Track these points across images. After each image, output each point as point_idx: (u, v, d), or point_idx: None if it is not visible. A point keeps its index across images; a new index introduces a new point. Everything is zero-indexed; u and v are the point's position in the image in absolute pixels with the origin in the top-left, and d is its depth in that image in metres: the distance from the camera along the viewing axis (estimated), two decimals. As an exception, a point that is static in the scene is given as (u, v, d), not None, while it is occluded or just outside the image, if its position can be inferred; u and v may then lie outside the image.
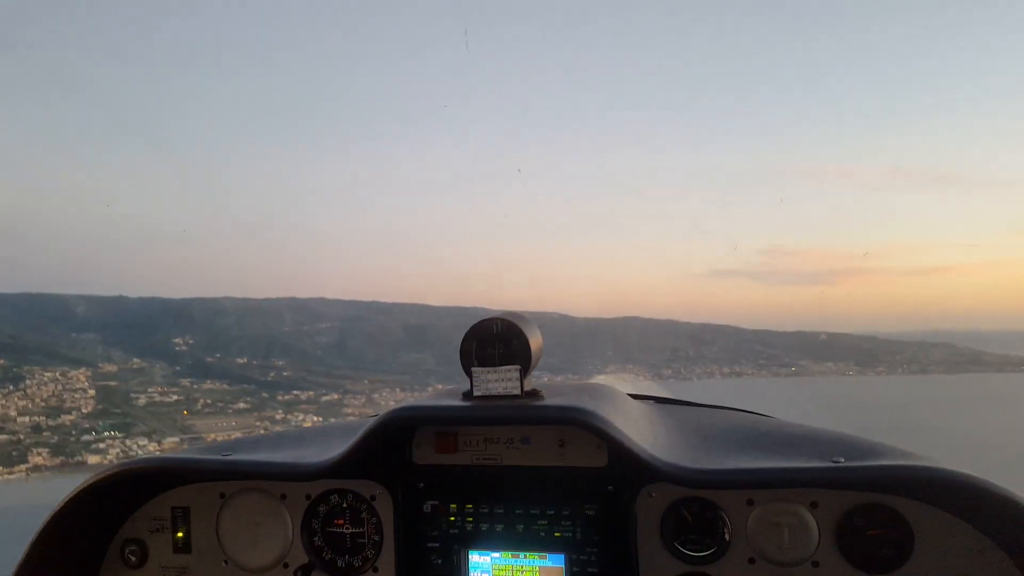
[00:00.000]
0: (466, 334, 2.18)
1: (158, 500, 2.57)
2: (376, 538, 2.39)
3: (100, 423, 58.06)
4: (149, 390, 67.04)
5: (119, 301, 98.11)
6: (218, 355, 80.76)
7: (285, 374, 77.37)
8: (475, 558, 2.27)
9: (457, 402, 2.19)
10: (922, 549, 1.96)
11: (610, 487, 2.18)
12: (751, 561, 2.10)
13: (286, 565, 2.45)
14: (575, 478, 2.22)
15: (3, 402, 56.92)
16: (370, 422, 2.19)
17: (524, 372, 2.14)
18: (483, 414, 2.17)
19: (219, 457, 2.39)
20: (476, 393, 2.17)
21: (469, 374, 2.19)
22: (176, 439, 57.54)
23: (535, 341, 2.22)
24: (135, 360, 77.08)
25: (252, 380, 74.95)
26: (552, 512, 2.22)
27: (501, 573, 2.24)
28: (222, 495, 2.51)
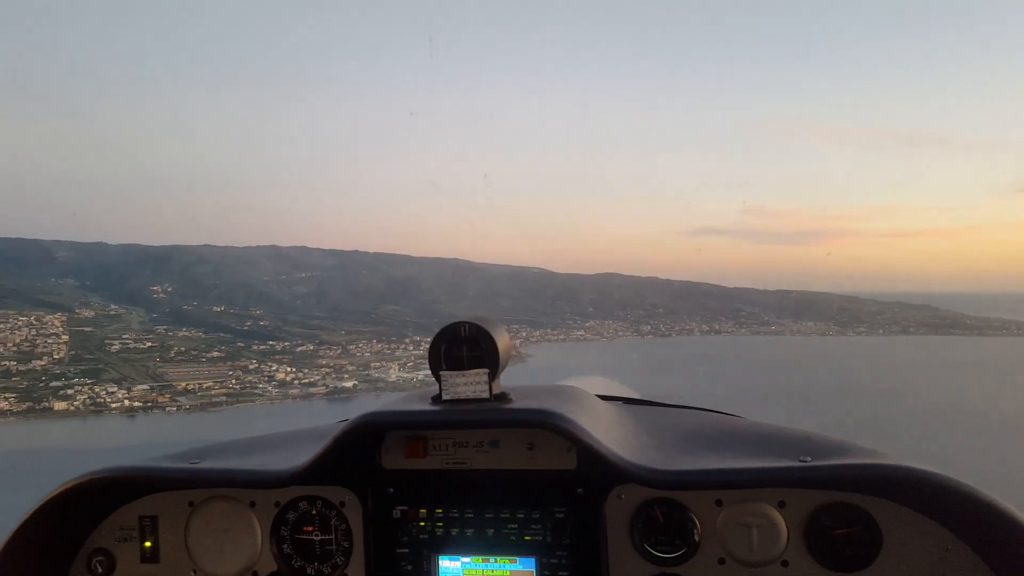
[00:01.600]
0: (434, 337, 2.15)
1: (125, 509, 2.49)
2: (346, 545, 2.34)
3: (71, 369, 58.13)
4: (124, 337, 66.96)
5: (99, 247, 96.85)
6: (195, 303, 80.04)
7: (262, 323, 77.08)
8: (445, 563, 2.24)
9: (426, 406, 2.16)
10: (890, 547, 1.97)
11: (580, 489, 2.16)
12: (721, 561, 2.09)
13: (255, 573, 2.39)
14: (545, 481, 2.19)
15: (-28, 346, 56.55)
16: (339, 428, 2.16)
17: (492, 375, 2.11)
18: (452, 418, 2.12)
19: (187, 465, 2.34)
20: (445, 397, 2.13)
21: (438, 378, 2.15)
22: (146, 386, 57.84)
23: (503, 344, 2.17)
24: (113, 307, 76.43)
25: (228, 329, 74.67)
26: (522, 515, 2.19)
27: None
28: (191, 503, 2.45)
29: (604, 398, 2.80)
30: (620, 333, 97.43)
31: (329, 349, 72.74)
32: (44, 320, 64.08)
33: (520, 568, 2.20)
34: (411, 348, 73.40)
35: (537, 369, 71.60)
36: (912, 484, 1.84)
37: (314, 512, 2.39)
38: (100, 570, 2.48)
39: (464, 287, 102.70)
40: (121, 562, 2.50)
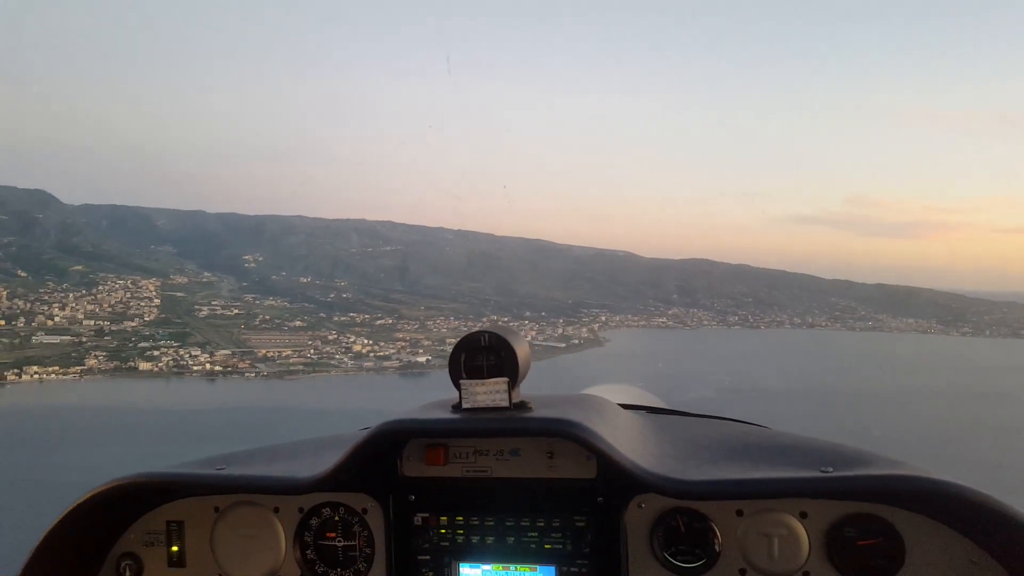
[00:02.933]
0: (454, 347, 2.09)
1: (153, 514, 2.51)
2: (367, 551, 2.33)
3: (159, 331, 59.79)
4: (213, 303, 68.94)
5: (198, 216, 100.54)
6: (284, 273, 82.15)
7: (345, 296, 77.91)
8: (466, 570, 2.23)
9: (446, 415, 2.11)
10: (913, 560, 1.94)
11: (600, 499, 2.14)
12: (741, 572, 2.06)
13: None
14: (565, 490, 2.16)
15: (74, 305, 58.78)
16: (360, 435, 2.15)
17: (512, 384, 2.07)
18: (472, 426, 2.09)
19: (213, 471, 2.34)
20: (465, 405, 2.08)
21: (458, 386, 2.09)
22: (228, 351, 59.05)
23: (523, 352, 2.11)
24: (206, 274, 78.87)
25: (312, 300, 75.92)
26: (542, 524, 2.18)
27: None
28: (216, 509, 2.45)
29: (626, 407, 2.70)
30: (705, 322, 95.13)
31: (407, 323, 72.83)
32: (139, 284, 66.31)
33: None
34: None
35: (612, 355, 69.63)
36: (935, 495, 1.80)
37: (337, 518, 2.36)
38: (128, 574, 2.47)
39: (545, 267, 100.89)
40: (148, 566, 2.49)
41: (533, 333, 71.98)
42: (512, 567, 2.21)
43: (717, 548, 2.08)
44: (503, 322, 77.93)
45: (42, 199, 79.29)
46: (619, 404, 2.65)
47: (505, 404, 2.07)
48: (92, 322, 57.62)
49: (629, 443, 2.15)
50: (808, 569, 2.01)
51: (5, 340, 52.40)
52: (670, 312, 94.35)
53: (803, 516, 2.03)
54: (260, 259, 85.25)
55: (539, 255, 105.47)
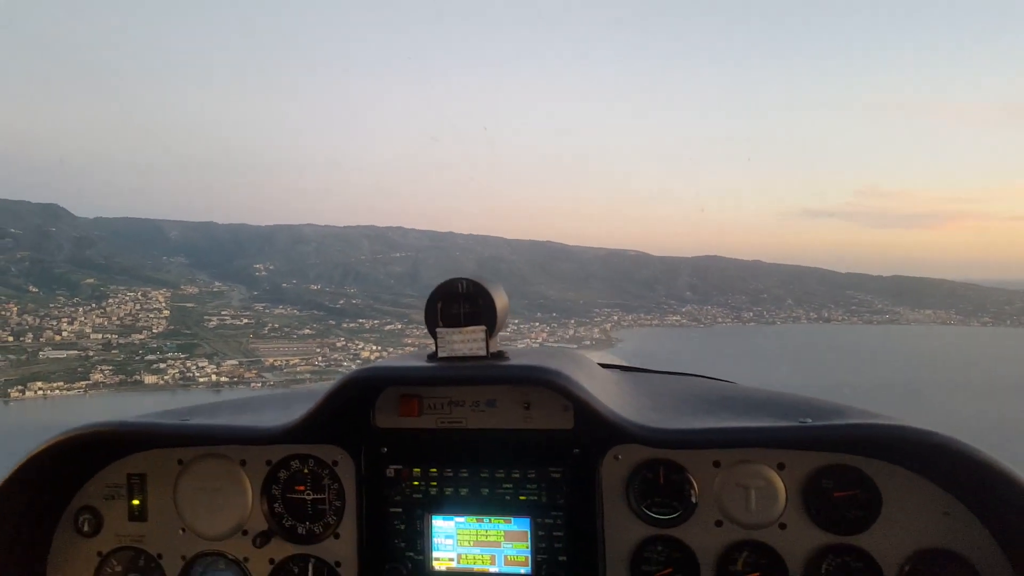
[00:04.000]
0: (431, 294, 2.07)
1: (114, 467, 2.43)
2: (338, 504, 2.29)
3: (167, 343, 58.74)
4: (223, 313, 67.87)
5: (208, 227, 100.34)
6: (294, 281, 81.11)
7: (355, 302, 76.73)
8: (439, 523, 2.21)
9: (421, 363, 2.08)
10: (889, 510, 1.95)
11: (576, 450, 2.13)
12: (718, 523, 2.07)
13: (245, 532, 2.33)
14: (541, 441, 2.16)
15: (83, 319, 58.28)
16: (331, 384, 2.13)
17: (490, 333, 2.05)
18: (447, 374, 2.08)
19: (177, 422, 2.26)
20: (441, 354, 2.06)
21: (434, 335, 2.07)
22: (236, 361, 57.93)
23: (501, 301, 2.10)
24: (217, 284, 78.34)
25: (322, 307, 74.68)
26: (517, 475, 2.17)
27: (465, 537, 2.20)
28: (180, 461, 2.39)
29: (603, 366, 2.69)
30: (719, 319, 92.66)
31: (417, 328, 68.87)
32: (150, 296, 65.75)
33: (515, 528, 2.16)
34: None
35: (624, 355, 67.54)
36: (911, 444, 1.80)
37: (306, 471, 2.32)
38: (87, 528, 2.41)
39: (556, 269, 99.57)
40: (108, 520, 2.42)
41: (544, 335, 70.69)
42: (486, 519, 2.16)
43: (694, 499, 2.06)
44: (513, 325, 79.37)
45: (55, 213, 79.28)
46: (597, 363, 2.57)
47: (482, 353, 2.01)
48: (100, 336, 57.06)
49: (607, 395, 2.09)
50: (785, 520, 2.01)
51: (12, 357, 51.93)
52: (683, 310, 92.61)
53: (780, 467, 2.01)
54: (271, 268, 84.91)
55: (550, 257, 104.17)
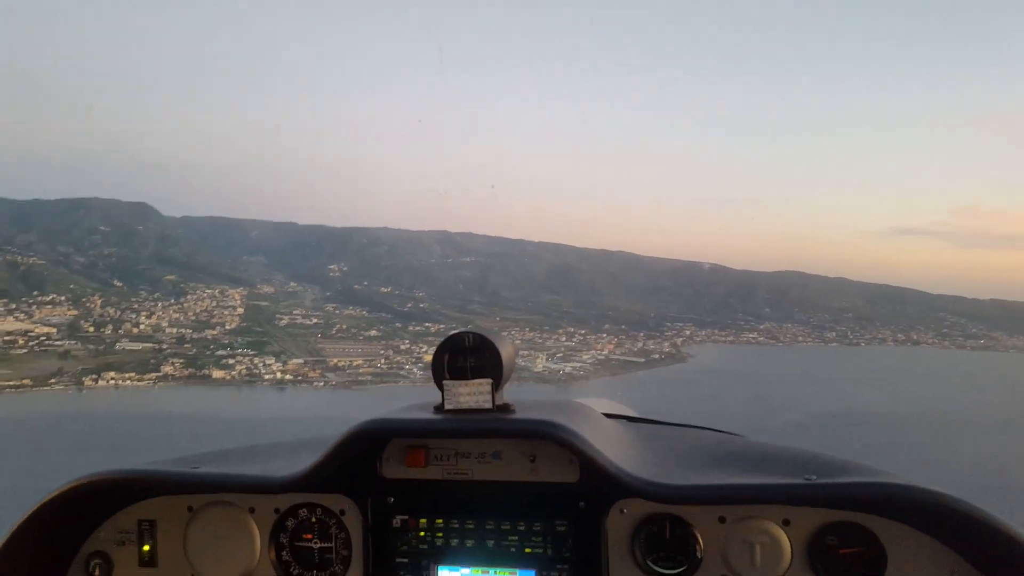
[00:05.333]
0: (437, 347, 2.09)
1: (124, 513, 2.45)
2: (344, 553, 2.30)
3: (238, 340, 59.83)
4: (294, 312, 68.81)
5: (289, 227, 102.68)
6: (366, 283, 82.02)
7: (422, 305, 77.00)
8: (445, 573, 2.21)
9: (428, 415, 2.09)
10: (895, 568, 1.95)
11: (581, 503, 2.13)
12: None
13: None
14: (546, 494, 2.15)
15: (160, 314, 59.92)
16: (339, 435, 2.13)
17: (496, 386, 2.07)
18: (453, 427, 2.08)
19: (187, 470, 2.29)
20: (447, 406, 2.07)
21: (441, 387, 2.08)
22: (301, 360, 58.31)
23: (507, 354, 2.11)
24: (292, 283, 79.73)
25: (390, 309, 75.25)
26: (523, 528, 2.17)
27: None
28: (190, 508, 2.40)
29: (609, 416, 2.68)
30: (799, 338, 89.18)
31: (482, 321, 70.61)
32: (227, 293, 67.30)
33: None
34: (563, 339, 70.60)
35: (694, 372, 64.94)
36: (917, 504, 1.80)
37: (313, 520, 2.33)
38: (98, 573, 2.42)
39: (628, 280, 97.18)
40: (119, 566, 2.43)
41: (611, 347, 68.62)
42: (492, 571, 2.17)
43: (699, 554, 2.04)
44: (580, 335, 77.14)
45: (143, 211, 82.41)
46: (602, 413, 2.59)
47: (488, 406, 2.03)
48: (175, 330, 58.51)
49: (612, 448, 2.09)
50: None
51: (92, 347, 53.71)
52: (761, 327, 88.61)
53: (786, 523, 2.01)
54: (344, 269, 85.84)
55: (621, 267, 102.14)
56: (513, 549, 2.15)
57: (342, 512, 2.26)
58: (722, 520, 2.04)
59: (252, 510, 2.32)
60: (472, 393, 2.02)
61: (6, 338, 46.92)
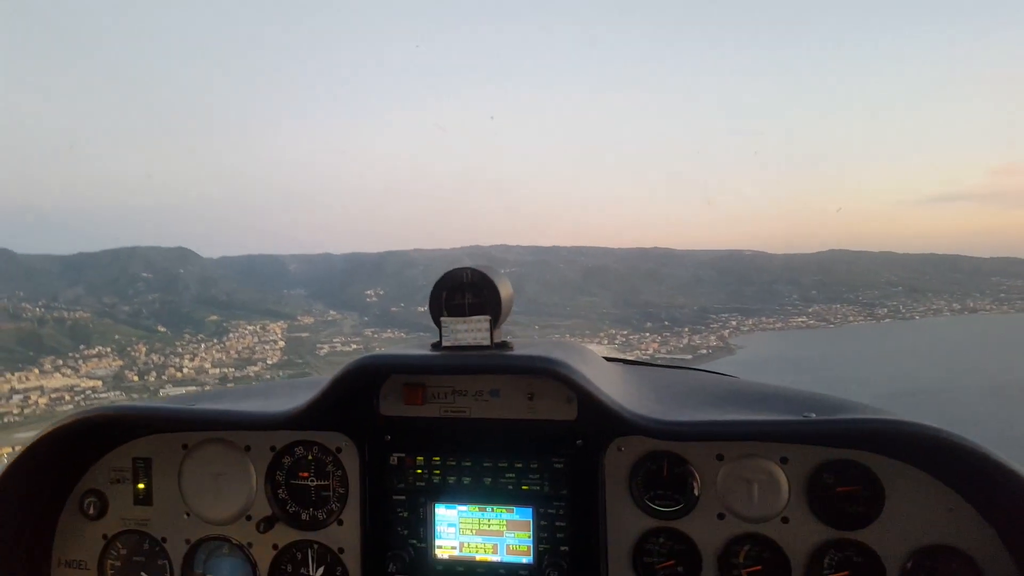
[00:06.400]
0: (435, 284, 2.08)
1: (119, 451, 2.45)
2: (341, 491, 2.30)
3: (280, 373, 58.85)
4: (334, 340, 68.11)
5: (325, 258, 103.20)
6: (402, 304, 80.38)
7: (460, 322, 75.33)
8: (441, 511, 2.21)
9: (425, 351, 2.09)
10: (892, 506, 1.95)
11: (579, 441, 2.13)
12: (720, 516, 2.06)
13: (249, 518, 2.34)
14: (544, 431, 2.16)
15: (203, 355, 60.21)
16: (335, 372, 2.13)
17: (494, 322, 2.04)
18: (451, 363, 2.06)
19: (182, 406, 2.28)
20: (445, 343, 2.07)
21: (438, 324, 2.08)
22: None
23: (505, 291, 2.10)
24: (331, 312, 79.85)
25: (428, 328, 72.21)
26: (520, 465, 2.17)
27: (468, 526, 2.20)
28: (185, 446, 2.40)
29: (608, 359, 2.68)
30: (850, 318, 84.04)
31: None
32: (268, 328, 67.46)
33: (517, 518, 2.16)
34: (605, 342, 67.72)
35: (745, 364, 62.17)
36: (916, 440, 1.79)
37: (310, 457, 2.32)
38: (92, 511, 2.43)
39: (666, 275, 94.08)
40: (113, 503, 2.44)
41: (656, 346, 66.51)
42: (489, 508, 2.16)
43: (696, 492, 2.05)
44: (623, 336, 76.30)
45: (183, 255, 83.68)
46: (602, 357, 2.55)
47: (486, 343, 2.01)
48: (218, 370, 58.68)
49: (611, 386, 2.08)
50: (787, 515, 2.00)
51: (135, 395, 54.10)
52: (809, 310, 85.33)
53: (783, 462, 2.00)
54: (381, 293, 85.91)
55: (658, 263, 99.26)
56: (510, 487, 2.11)
57: (339, 450, 2.24)
58: (720, 458, 2.02)
59: (248, 448, 2.29)
60: (470, 330, 1.97)
61: (53, 395, 47.41)
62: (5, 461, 2.20)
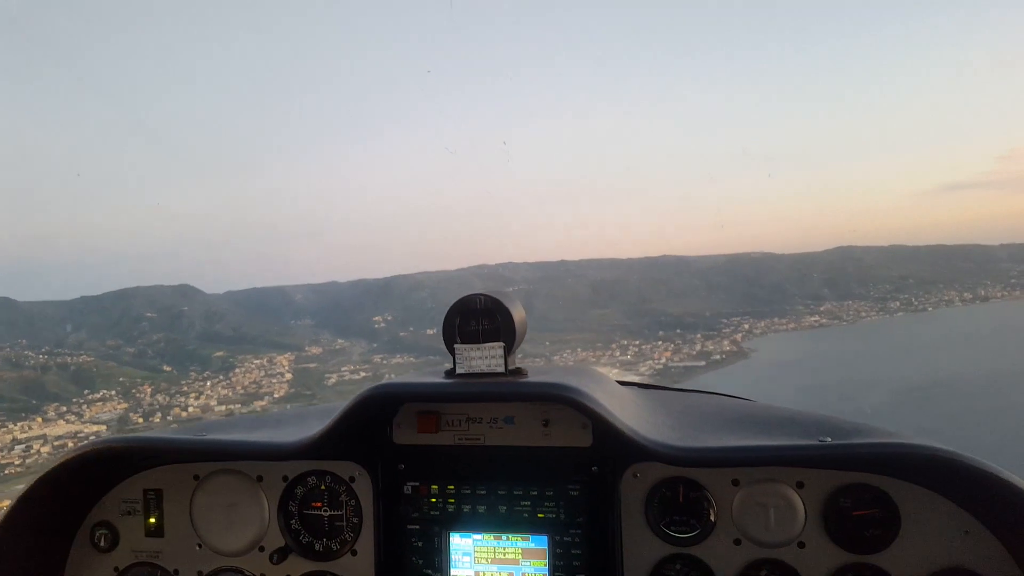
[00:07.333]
0: (448, 310, 2.05)
1: (130, 482, 2.40)
2: (355, 520, 2.27)
3: (287, 407, 57.84)
4: (342, 369, 66.51)
5: (331, 287, 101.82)
6: (411, 328, 78.86)
7: (469, 342, 73.64)
8: (457, 540, 2.17)
9: (439, 379, 2.07)
10: (908, 529, 1.94)
11: (594, 467, 2.11)
12: (736, 542, 2.04)
13: (262, 549, 2.30)
14: (559, 458, 2.13)
15: (209, 392, 58.67)
16: (349, 400, 2.10)
17: (508, 349, 2.02)
18: (466, 391, 2.04)
19: (193, 436, 2.22)
20: (459, 371, 2.05)
21: (452, 351, 2.05)
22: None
23: (519, 316, 2.08)
24: (339, 341, 78.30)
25: (438, 351, 71.12)
26: (535, 493, 2.14)
27: (483, 555, 2.16)
28: (196, 477, 2.36)
29: (621, 383, 2.64)
30: (863, 314, 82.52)
31: (531, 360, 65.84)
32: (275, 361, 65.98)
33: (533, 546, 2.13)
34: (617, 353, 67.03)
35: (760, 367, 60.47)
36: (932, 464, 1.78)
37: (323, 487, 2.29)
38: (103, 544, 2.37)
39: (675, 283, 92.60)
40: (125, 536, 2.40)
41: (668, 354, 64.79)
42: (504, 536, 2.13)
43: (712, 518, 2.03)
44: (635, 346, 74.51)
45: (186, 293, 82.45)
46: (615, 381, 2.51)
47: (501, 369, 1.99)
48: (224, 407, 57.06)
49: (625, 412, 2.04)
50: (804, 539, 1.98)
51: (141, 435, 52.60)
52: (821, 309, 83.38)
53: (799, 486, 1.99)
54: (388, 318, 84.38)
55: (667, 272, 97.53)
56: (526, 515, 2.09)
57: (352, 479, 2.21)
58: (736, 483, 2.00)
59: (260, 478, 2.25)
60: (484, 357, 1.95)
61: (56, 443, 45.95)
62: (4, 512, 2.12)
